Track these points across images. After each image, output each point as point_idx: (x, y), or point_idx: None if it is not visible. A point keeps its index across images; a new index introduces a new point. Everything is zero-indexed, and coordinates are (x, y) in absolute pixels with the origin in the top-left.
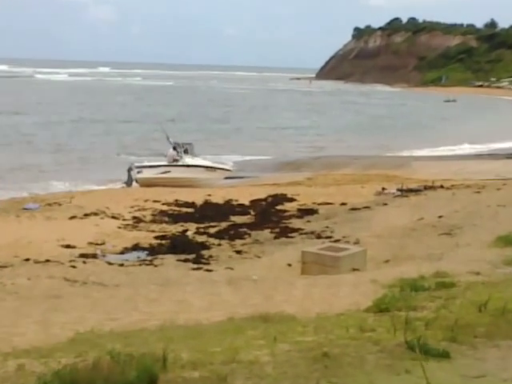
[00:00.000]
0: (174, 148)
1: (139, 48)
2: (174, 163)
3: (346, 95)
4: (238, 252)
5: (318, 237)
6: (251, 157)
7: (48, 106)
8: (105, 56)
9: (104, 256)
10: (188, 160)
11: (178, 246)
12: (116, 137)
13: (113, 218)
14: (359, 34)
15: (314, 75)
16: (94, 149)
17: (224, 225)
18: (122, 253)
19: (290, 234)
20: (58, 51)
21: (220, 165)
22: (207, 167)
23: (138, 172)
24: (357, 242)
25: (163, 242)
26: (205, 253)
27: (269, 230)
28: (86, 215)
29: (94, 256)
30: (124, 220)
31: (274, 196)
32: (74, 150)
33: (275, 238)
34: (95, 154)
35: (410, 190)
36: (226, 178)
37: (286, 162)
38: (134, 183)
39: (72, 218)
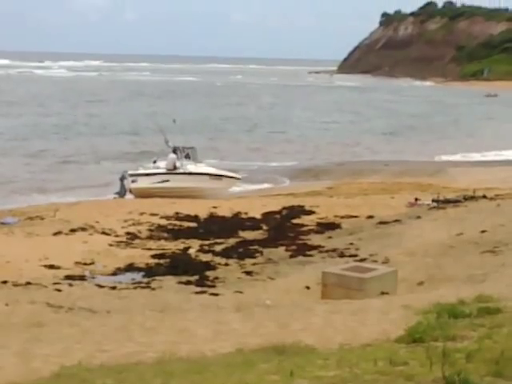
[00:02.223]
0: (174, 151)
1: (133, 38)
2: (174, 171)
3: (373, 91)
4: (249, 273)
5: (341, 255)
6: (263, 163)
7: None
8: (93, 47)
9: (93, 278)
10: (190, 167)
11: (178, 266)
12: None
13: (103, 233)
14: (388, 20)
15: (335, 68)
16: (88, 154)
17: (232, 241)
18: (114, 274)
19: (308, 252)
20: (34, 42)
21: (227, 172)
22: (212, 175)
23: (133, 181)
24: (386, 262)
25: (162, 261)
26: (210, 274)
27: (284, 248)
28: (72, 231)
29: (82, 278)
30: (116, 236)
31: (290, 208)
32: (67, 155)
33: (291, 256)
34: (84, 159)
35: (448, 201)
36: (234, 187)
37: (304, 168)
38: (128, 194)
39: (56, 233)
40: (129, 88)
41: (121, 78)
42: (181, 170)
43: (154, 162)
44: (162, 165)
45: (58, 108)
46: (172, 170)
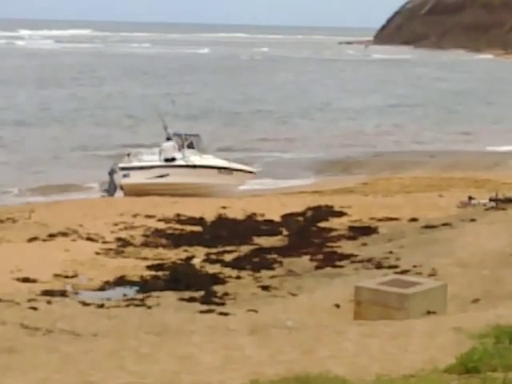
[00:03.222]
0: (169, 139)
1: (128, 2)
2: (174, 163)
3: (417, 66)
4: (265, 288)
5: (378, 266)
6: (283, 154)
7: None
8: (80, 13)
9: (76, 293)
10: (194, 158)
11: (180, 279)
12: None
13: (89, 239)
14: None
15: (371, 38)
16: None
17: (245, 249)
18: (101, 289)
19: (337, 263)
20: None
21: (239, 165)
22: (221, 168)
23: (124, 175)
24: (433, 274)
25: (159, 273)
26: (218, 289)
27: (308, 257)
28: (51, 236)
29: (63, 293)
30: (104, 243)
31: (316, 208)
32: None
33: (317, 267)
34: (67, 151)
35: (509, 200)
36: (248, 183)
37: (332, 160)
38: (119, 191)
39: (32, 239)
40: (128, 64)
41: (117, 51)
42: (183, 162)
43: (128, 155)
44: (150, 158)
45: (40, 89)
46: (172, 162)
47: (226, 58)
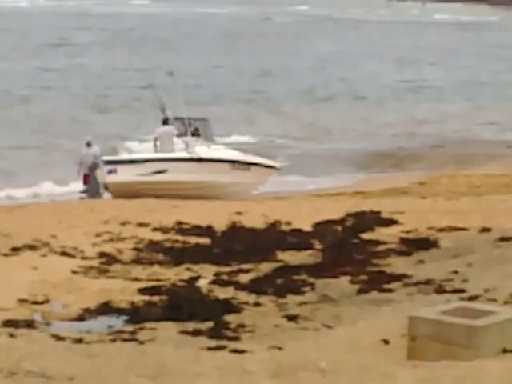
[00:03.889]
0: (164, 122)
1: None
2: (174, 155)
3: (496, 31)
4: (292, 318)
5: (439, 290)
6: (315, 144)
7: None
8: None
9: (48, 324)
10: (200, 149)
11: (181, 306)
12: None
13: (63, 254)
14: None
15: None
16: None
17: (266, 268)
18: (80, 318)
19: (386, 286)
20: None
21: (258, 159)
22: (235, 162)
23: (110, 171)
24: (510, 302)
25: (155, 298)
26: (231, 319)
27: (348, 278)
28: (14, 250)
29: (30, 324)
30: (84, 259)
31: (358, 215)
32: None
33: (360, 291)
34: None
35: None
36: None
37: (380, 152)
38: (103, 191)
39: None
40: (120, 28)
41: (107, 11)
42: (185, 155)
43: (88, 144)
44: (143, 149)
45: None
46: (171, 154)
47: (253, 19)
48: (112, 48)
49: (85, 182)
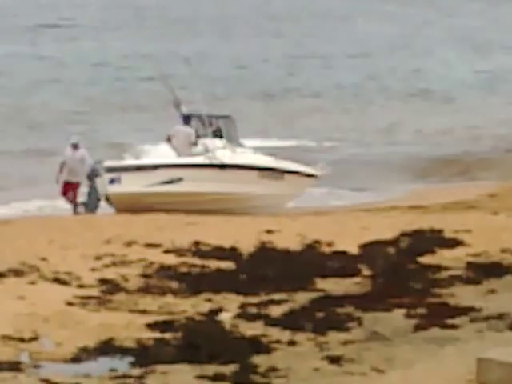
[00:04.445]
0: (186, 120)
1: None
2: (192, 160)
3: None
4: (335, 360)
5: None
6: (363, 147)
7: None
8: None
9: (37, 366)
10: (222, 154)
11: (199, 344)
12: None
13: (56, 281)
14: None
15: None
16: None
17: (302, 298)
18: (76, 359)
19: (449, 321)
20: None
21: (293, 165)
22: (265, 170)
23: (112, 180)
24: None
25: (167, 335)
26: (260, 361)
27: (403, 311)
28: None
29: (16, 366)
30: (81, 287)
31: (415, 234)
32: None
33: (417, 328)
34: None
35: None
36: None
37: (442, 157)
38: (104, 204)
39: None
40: (130, 6)
41: None
42: (205, 160)
43: (74, 146)
44: (153, 153)
45: None
46: (188, 159)
47: None
48: (120, 30)
49: (65, 192)
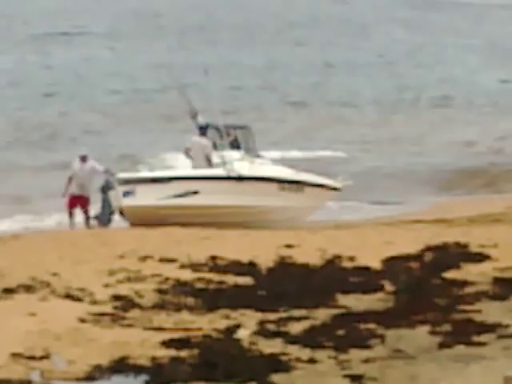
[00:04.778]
0: (203, 131)
1: None
2: (208, 172)
3: None
4: (356, 378)
5: None
6: (384, 159)
7: None
8: None
9: None
10: (240, 165)
11: (216, 363)
12: None
13: (68, 297)
14: None
15: None
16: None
17: (323, 315)
18: (88, 378)
19: (475, 338)
20: None
21: (313, 177)
22: (285, 182)
23: (126, 193)
24: None
25: (183, 353)
26: (279, 380)
27: (427, 328)
28: (7, 292)
29: None
30: (94, 303)
31: (440, 249)
32: None
33: (442, 345)
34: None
35: None
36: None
37: (468, 169)
38: (117, 217)
39: None
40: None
41: None
42: (222, 172)
43: (83, 159)
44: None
45: None
46: (204, 171)
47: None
48: (134, 38)
49: (71, 206)
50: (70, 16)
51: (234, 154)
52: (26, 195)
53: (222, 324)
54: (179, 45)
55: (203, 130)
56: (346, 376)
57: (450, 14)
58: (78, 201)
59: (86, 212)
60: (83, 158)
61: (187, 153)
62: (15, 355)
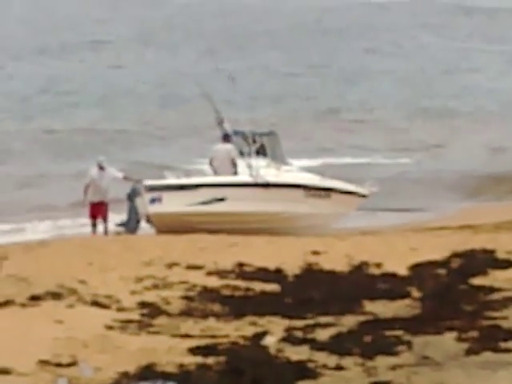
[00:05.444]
0: (225, 138)
1: None
2: (235, 179)
3: None
4: None
5: None
6: (409, 164)
7: None
8: None
9: None
10: (267, 172)
11: (243, 369)
12: None
13: (95, 304)
14: None
15: None
16: None
17: (350, 322)
18: None
19: (503, 344)
20: None
21: (341, 184)
22: (311, 189)
23: (153, 200)
24: None
25: (210, 360)
26: None
27: (454, 335)
28: (34, 299)
29: None
30: (121, 310)
31: (467, 255)
32: None
33: (469, 352)
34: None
35: None
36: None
37: (495, 175)
38: (144, 224)
39: (2, 305)
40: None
41: None
42: (248, 179)
43: (101, 167)
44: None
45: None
46: (231, 178)
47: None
48: (152, 45)
49: (93, 215)
50: (97, 24)
51: (261, 161)
52: (54, 203)
53: (249, 331)
54: (205, 53)
55: (227, 137)
56: (372, 383)
57: (478, 19)
58: (99, 208)
59: (105, 220)
60: (101, 167)
61: (211, 163)
62: (42, 362)
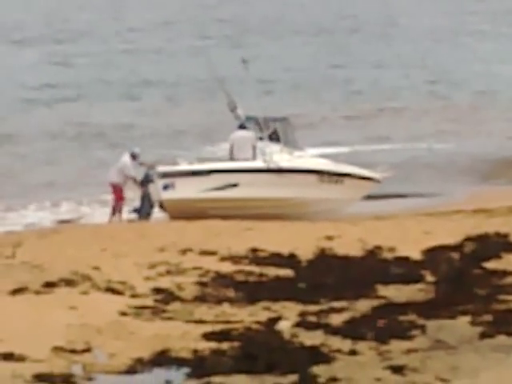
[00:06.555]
0: (242, 126)
1: None
2: (248, 165)
3: None
4: (397, 369)
5: None
6: (420, 149)
7: None
8: None
9: (90, 379)
10: (280, 158)
11: (257, 355)
12: None
13: (109, 291)
14: None
15: None
16: None
17: (364, 306)
18: (130, 371)
19: None
20: None
21: (353, 169)
22: (324, 174)
23: (166, 186)
24: None
25: (224, 345)
26: (320, 371)
27: (468, 319)
28: (48, 286)
29: (69, 379)
30: (134, 296)
31: (480, 239)
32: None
33: (483, 335)
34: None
35: None
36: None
37: (505, 159)
38: (157, 210)
39: (17, 291)
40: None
41: None
42: (261, 165)
43: (133, 156)
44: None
45: None
46: (244, 164)
47: None
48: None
49: (118, 199)
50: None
51: (274, 147)
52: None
53: (263, 316)
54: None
55: (243, 124)
56: (387, 367)
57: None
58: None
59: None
60: (133, 156)
61: (231, 150)
62: (57, 349)
